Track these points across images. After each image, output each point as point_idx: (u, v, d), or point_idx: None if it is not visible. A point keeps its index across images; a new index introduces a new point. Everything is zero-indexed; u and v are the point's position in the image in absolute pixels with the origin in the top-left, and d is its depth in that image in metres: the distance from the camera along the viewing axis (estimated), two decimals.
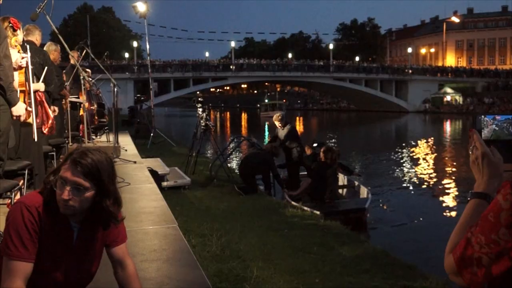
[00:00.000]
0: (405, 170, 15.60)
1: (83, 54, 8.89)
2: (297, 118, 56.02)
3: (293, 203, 8.18)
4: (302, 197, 8.74)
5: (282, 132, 9.90)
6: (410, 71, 61.99)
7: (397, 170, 15.49)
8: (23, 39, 5.54)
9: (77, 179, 1.97)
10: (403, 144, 23.43)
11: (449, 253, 1.20)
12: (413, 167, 16.26)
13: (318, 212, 7.52)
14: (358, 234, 6.53)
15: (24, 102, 4.19)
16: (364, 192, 9.13)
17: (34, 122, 4.21)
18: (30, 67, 4.15)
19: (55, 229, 2.05)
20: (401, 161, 17.88)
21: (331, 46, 67.24)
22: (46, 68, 5.32)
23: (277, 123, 10.07)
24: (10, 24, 4.19)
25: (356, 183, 9.85)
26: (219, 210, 6.89)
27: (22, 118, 3.75)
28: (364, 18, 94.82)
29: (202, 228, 5.31)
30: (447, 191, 11.78)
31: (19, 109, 3.61)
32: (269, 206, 7.57)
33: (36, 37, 5.99)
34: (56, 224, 2.05)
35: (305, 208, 7.79)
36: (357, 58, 69.39)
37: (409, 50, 72.08)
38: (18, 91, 4.17)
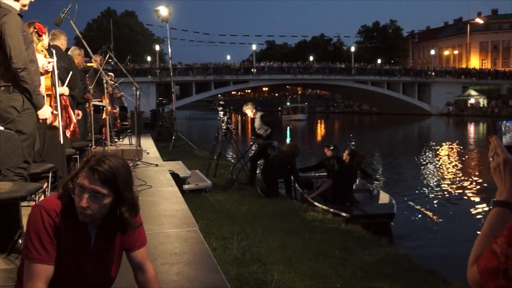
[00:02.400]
0: (428, 174, 15.38)
1: (106, 58, 8.99)
2: (319, 121, 55.84)
3: (319, 205, 8.07)
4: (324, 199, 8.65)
5: (256, 121, 10.01)
6: (433, 73, 61.29)
7: (420, 174, 15.28)
8: (49, 43, 5.66)
9: (94, 187, 1.98)
10: (426, 148, 23.14)
11: (472, 264, 1.17)
12: (437, 171, 16.03)
13: (346, 215, 7.44)
14: (380, 238, 6.45)
15: (50, 105, 4.27)
16: (385, 197, 8.94)
17: (60, 125, 4.28)
18: (56, 71, 4.22)
19: (74, 233, 2.07)
20: (424, 165, 17.64)
21: (352, 49, 66.92)
22: (71, 72, 5.41)
23: (250, 112, 10.10)
24: (35, 30, 4.26)
25: (375, 188, 9.69)
26: (240, 213, 6.89)
27: (48, 121, 3.81)
28: (386, 20, 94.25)
29: (223, 231, 5.31)
30: (472, 196, 11.56)
31: (44, 112, 3.67)
32: (290, 210, 7.56)
33: (61, 42, 6.11)
34: (74, 228, 2.07)
35: (332, 210, 7.71)
36: (379, 61, 68.86)
37: (432, 52, 71.26)
38: (45, 95, 4.25)
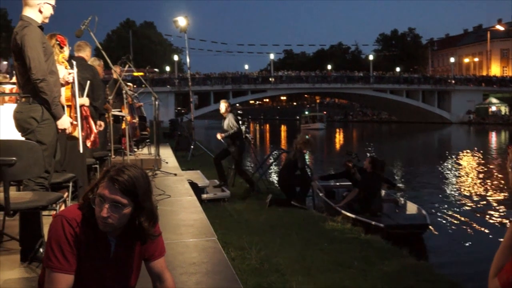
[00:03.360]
0: (451, 184, 15.15)
1: (125, 68, 9.09)
2: (337, 130, 55.58)
3: (350, 214, 7.92)
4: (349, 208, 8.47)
5: (226, 121, 9.45)
6: (453, 81, 60.67)
7: (443, 184, 15.05)
8: (74, 55, 5.75)
9: (115, 197, 2.00)
10: (448, 157, 22.84)
11: (493, 277, 1.14)
12: (460, 181, 15.78)
13: (379, 225, 7.34)
14: (401, 249, 6.36)
15: (70, 116, 4.32)
16: (413, 207, 8.72)
17: (80, 135, 4.33)
18: (76, 82, 4.27)
19: (94, 243, 2.09)
20: (447, 174, 17.40)
21: (371, 57, 66.64)
22: (88, 82, 5.46)
23: (223, 108, 9.56)
24: (58, 42, 4.33)
25: (401, 198, 9.51)
26: (258, 223, 6.87)
27: (67, 131, 3.85)
28: (404, 29, 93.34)
29: (241, 241, 5.30)
30: (494, 207, 11.36)
31: (63, 122, 3.71)
32: (308, 219, 7.52)
33: (86, 53, 6.21)
34: (95, 237, 2.09)
35: (364, 220, 7.58)
36: (397, 69, 68.42)
37: (452, 60, 70.54)
38: (65, 106, 4.30)
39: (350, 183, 9.60)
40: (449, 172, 18.04)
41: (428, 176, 16.71)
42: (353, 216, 7.84)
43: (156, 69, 55.00)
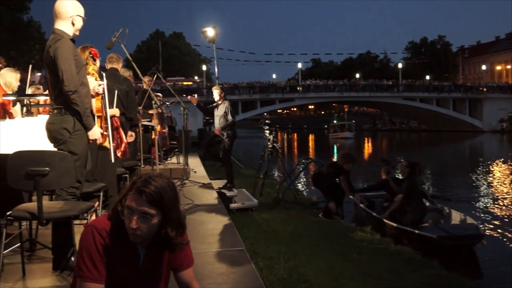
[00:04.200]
0: (487, 194, 14.75)
1: (154, 78, 9.22)
2: (366, 138, 55.07)
3: (399, 226, 7.57)
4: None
5: (221, 108, 8.70)
6: (484, 89, 59.49)
7: (476, 194, 14.70)
8: (105, 66, 5.87)
9: (142, 208, 2.03)
10: (480, 166, 22.31)
11: None
12: (495, 191, 15.38)
13: (431, 236, 6.96)
14: (431, 260, 6.24)
15: (101, 127, 4.40)
16: (458, 217, 8.28)
17: (111, 145, 4.40)
18: (106, 93, 4.35)
19: (124, 253, 2.12)
20: (479, 184, 17.00)
21: (400, 65, 65.93)
22: (116, 92, 5.55)
23: (217, 95, 8.78)
24: (91, 55, 4.43)
25: (444, 207, 8.99)
26: (286, 232, 6.83)
27: (98, 142, 3.92)
28: (434, 36, 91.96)
29: (269, 250, 5.28)
30: None
31: (94, 133, 3.78)
32: (337, 229, 7.45)
33: (119, 66, 6.34)
34: (124, 247, 2.12)
35: (414, 231, 7.21)
36: (427, 77, 67.49)
37: (483, 67, 69.23)
38: (96, 117, 4.39)
39: (385, 192, 9.34)
40: (483, 181, 17.60)
41: (462, 186, 16.34)
42: (401, 227, 7.48)
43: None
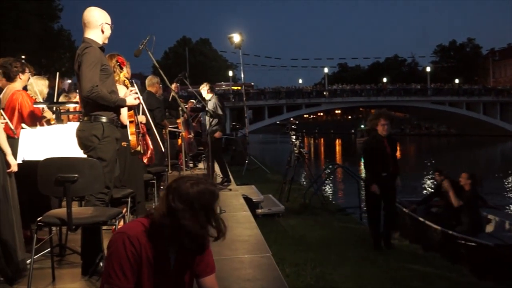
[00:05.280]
0: None
1: (178, 85, 9.28)
2: None
3: (458, 234, 7.10)
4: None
5: (211, 103, 8.50)
6: None
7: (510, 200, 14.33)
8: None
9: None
10: None
11: None
12: None
13: (490, 244, 6.59)
14: (462, 267, 6.10)
15: (133, 132, 4.49)
16: (506, 225, 7.84)
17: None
18: (142, 100, 4.42)
19: (154, 258, 2.14)
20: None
21: (428, 69, 65.05)
22: (143, 102, 5.66)
23: (205, 92, 8.64)
24: (118, 63, 4.50)
25: (494, 215, 8.40)
26: (313, 238, 6.80)
27: (136, 102, 3.97)
28: (463, 39, 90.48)
29: (296, 257, 5.27)
30: None
31: (131, 101, 3.88)
32: (364, 236, 7.36)
33: (155, 89, 7.34)
34: (155, 253, 2.14)
35: (477, 241, 6.76)
36: (456, 81, 66.40)
37: None
38: (128, 122, 4.46)
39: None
40: None
41: (497, 193, 15.91)
42: (455, 234, 7.09)
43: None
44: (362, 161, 7.59)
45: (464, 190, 7.66)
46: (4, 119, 3.99)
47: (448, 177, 8.42)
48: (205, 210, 2.13)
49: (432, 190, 9.30)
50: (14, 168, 3.61)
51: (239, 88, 54.26)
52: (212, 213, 2.18)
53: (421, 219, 8.06)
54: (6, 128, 3.89)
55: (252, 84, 58.84)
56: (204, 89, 8.72)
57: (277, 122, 55.00)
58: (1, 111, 3.83)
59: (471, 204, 7.51)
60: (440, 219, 7.78)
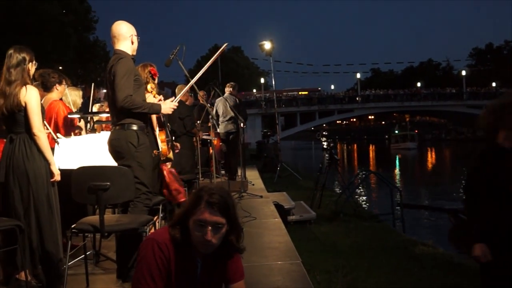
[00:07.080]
0: None
1: (212, 93, 9.36)
2: (429, 149, 53.50)
3: None
4: None
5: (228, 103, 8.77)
6: None
7: None
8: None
9: (217, 219, 2.12)
10: None
11: None
12: None
13: None
14: None
15: (164, 139, 4.57)
16: None
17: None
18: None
19: (182, 264, 2.19)
20: None
21: (463, 73, 63.75)
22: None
23: (228, 91, 9.31)
24: (151, 74, 4.61)
25: None
26: (345, 246, 6.74)
27: (170, 112, 4.01)
28: (500, 42, 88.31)
29: (327, 264, 5.24)
30: None
31: (166, 109, 3.93)
32: (397, 243, 7.26)
33: (185, 97, 7.56)
34: (183, 259, 2.19)
35: None
36: (493, 84, 64.83)
37: None
38: (157, 130, 4.55)
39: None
40: None
41: None
42: None
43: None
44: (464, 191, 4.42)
45: None
46: (47, 129, 4.12)
47: None
48: (234, 211, 2.22)
49: None
50: (58, 177, 3.72)
51: (306, 93, 54.42)
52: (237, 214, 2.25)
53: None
54: (49, 139, 4.02)
55: (319, 88, 58.44)
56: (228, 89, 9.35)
57: (312, 128, 54.74)
58: (45, 122, 3.95)
59: None
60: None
